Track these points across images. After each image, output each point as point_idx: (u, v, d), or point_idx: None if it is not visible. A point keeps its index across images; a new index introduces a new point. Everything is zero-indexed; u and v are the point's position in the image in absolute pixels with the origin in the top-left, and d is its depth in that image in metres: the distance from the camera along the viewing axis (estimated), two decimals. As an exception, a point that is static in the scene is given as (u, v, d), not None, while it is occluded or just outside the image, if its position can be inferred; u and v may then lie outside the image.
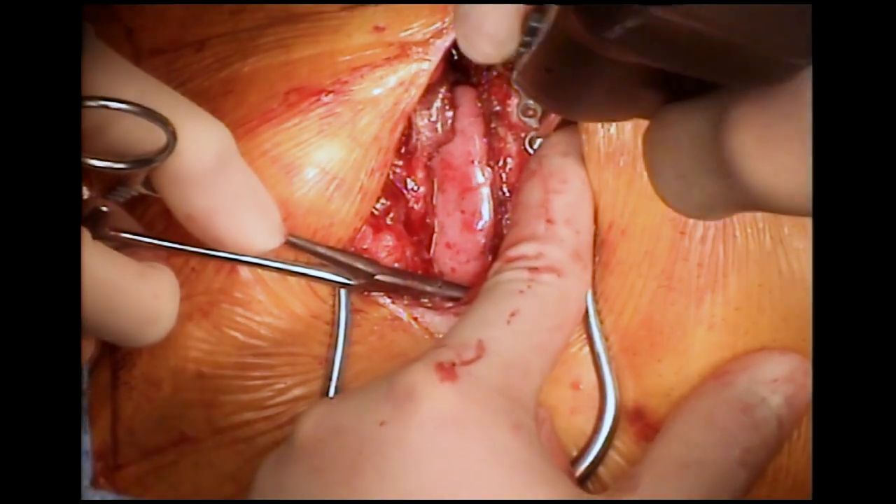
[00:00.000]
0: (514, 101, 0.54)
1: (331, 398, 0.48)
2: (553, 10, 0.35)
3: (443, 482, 0.41)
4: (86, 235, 0.44)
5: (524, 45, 0.38)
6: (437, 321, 0.54)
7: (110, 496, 0.53)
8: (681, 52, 0.31)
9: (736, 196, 0.35)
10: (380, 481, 0.41)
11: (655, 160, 0.38)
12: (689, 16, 0.29)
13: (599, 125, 0.50)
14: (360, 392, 0.45)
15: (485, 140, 0.55)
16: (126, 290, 0.44)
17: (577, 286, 0.49)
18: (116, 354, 0.53)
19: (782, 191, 0.33)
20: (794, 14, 0.29)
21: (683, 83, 0.34)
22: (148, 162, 0.44)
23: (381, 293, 0.53)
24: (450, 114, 0.55)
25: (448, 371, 0.43)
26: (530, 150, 0.54)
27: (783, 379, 0.47)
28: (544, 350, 0.46)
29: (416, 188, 0.55)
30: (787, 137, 0.32)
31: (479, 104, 0.55)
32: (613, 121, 0.49)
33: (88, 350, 0.48)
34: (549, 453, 0.47)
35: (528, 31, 0.37)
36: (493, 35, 0.37)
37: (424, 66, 0.51)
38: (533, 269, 0.48)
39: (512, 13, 0.37)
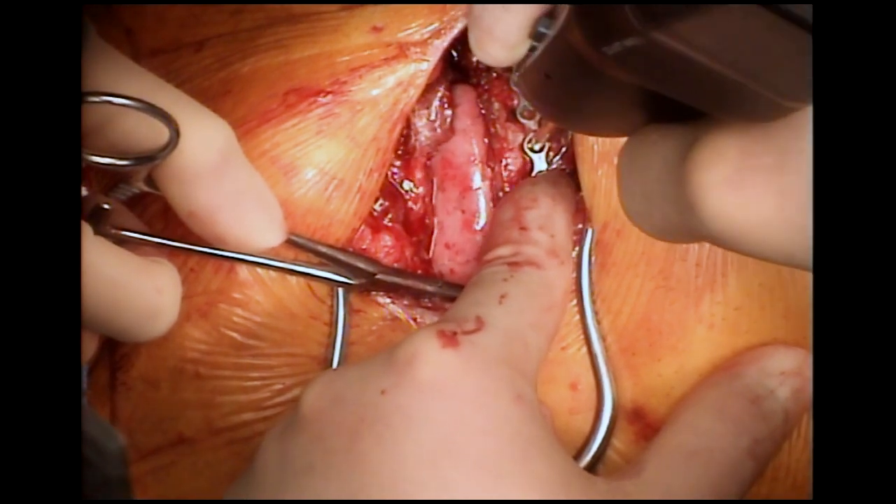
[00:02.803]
0: (514, 102, 0.54)
1: (334, 369, 0.48)
2: (562, 17, 0.35)
3: (441, 450, 0.40)
4: (88, 232, 0.43)
5: (530, 49, 0.39)
6: (436, 321, 0.54)
7: (108, 497, 0.53)
8: (675, 78, 0.31)
9: (695, 229, 0.35)
10: (380, 448, 0.41)
11: (625, 175, 0.38)
12: (688, 44, 0.29)
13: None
14: (363, 363, 0.44)
15: (485, 140, 0.55)
16: (128, 285, 0.44)
17: (558, 276, 0.49)
18: (115, 355, 0.53)
19: (746, 237, 0.33)
20: (793, 56, 0.29)
21: (672, 108, 0.34)
22: (151, 159, 0.44)
23: (382, 293, 0.53)
24: (448, 112, 0.55)
25: (450, 338, 0.43)
26: (529, 152, 0.54)
27: (790, 372, 0.48)
28: (539, 328, 0.46)
29: (414, 189, 0.55)
30: (762, 184, 0.32)
31: (480, 104, 0.55)
32: (601, 135, 0.49)
33: (91, 348, 0.48)
34: None
35: (536, 36, 0.38)
36: (503, 39, 0.38)
37: (423, 66, 0.51)
38: (512, 264, 0.48)
39: (523, 19, 0.38)
